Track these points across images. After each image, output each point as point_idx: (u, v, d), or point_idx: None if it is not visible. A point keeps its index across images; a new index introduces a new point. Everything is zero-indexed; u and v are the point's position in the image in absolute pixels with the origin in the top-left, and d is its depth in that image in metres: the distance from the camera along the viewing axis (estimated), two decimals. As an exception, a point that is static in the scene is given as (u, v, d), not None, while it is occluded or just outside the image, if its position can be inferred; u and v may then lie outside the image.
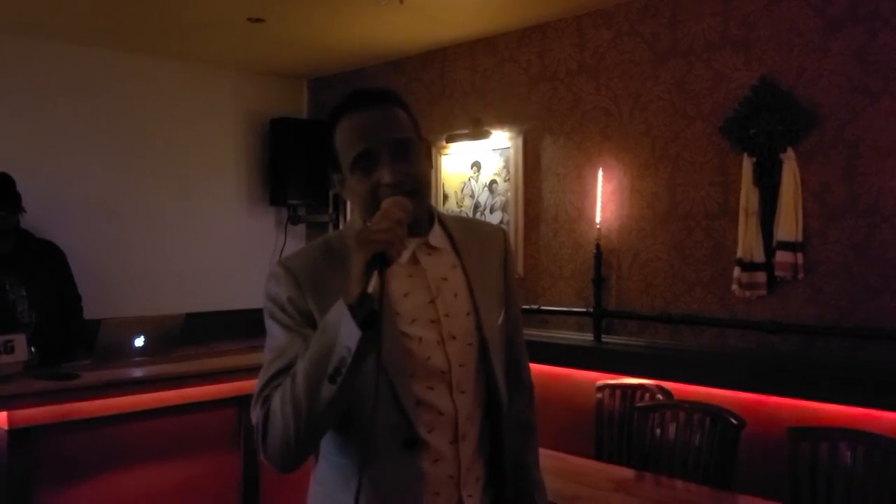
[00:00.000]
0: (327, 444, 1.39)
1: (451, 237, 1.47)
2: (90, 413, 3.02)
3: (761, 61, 3.37)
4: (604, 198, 3.91)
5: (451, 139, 4.59)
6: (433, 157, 4.66)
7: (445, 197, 4.75)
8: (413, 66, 4.94)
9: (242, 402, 3.23)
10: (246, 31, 4.31)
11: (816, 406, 3.04)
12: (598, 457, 3.25)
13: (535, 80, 4.27)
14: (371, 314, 1.18)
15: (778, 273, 3.25)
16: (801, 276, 3.21)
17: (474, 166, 4.61)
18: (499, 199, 4.48)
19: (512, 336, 1.55)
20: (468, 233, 1.50)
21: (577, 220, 4.08)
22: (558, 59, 4.17)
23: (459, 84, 4.68)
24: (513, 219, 4.36)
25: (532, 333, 4.05)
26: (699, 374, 3.38)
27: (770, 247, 3.29)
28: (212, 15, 4.05)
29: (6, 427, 2.82)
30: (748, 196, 3.35)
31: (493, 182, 4.51)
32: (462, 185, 4.68)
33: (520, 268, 4.26)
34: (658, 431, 2.90)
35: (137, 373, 3.25)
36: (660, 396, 3.18)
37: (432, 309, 1.38)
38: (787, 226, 3.22)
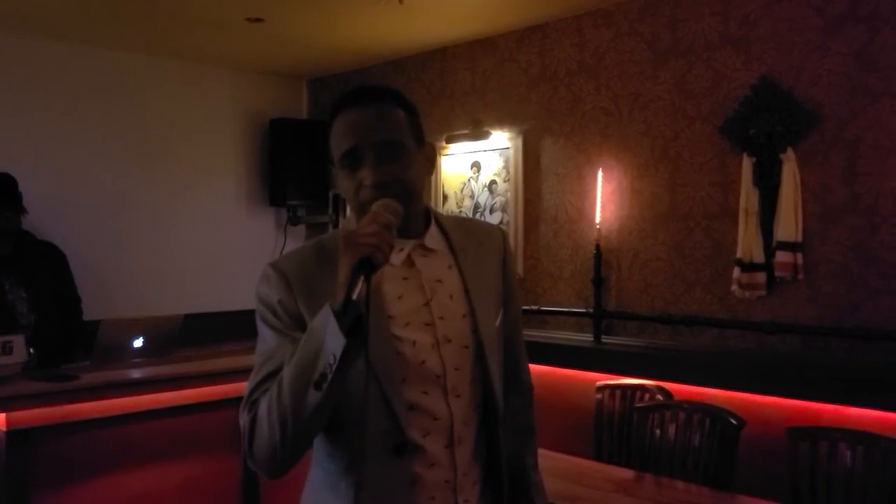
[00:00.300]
0: (318, 449, 1.38)
1: (447, 238, 1.44)
2: (89, 414, 3.01)
3: (761, 61, 3.37)
4: (603, 198, 3.91)
5: (450, 139, 4.59)
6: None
7: (445, 197, 4.74)
8: (413, 67, 4.94)
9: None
10: (245, 30, 4.30)
11: (816, 406, 3.04)
12: (598, 457, 3.24)
13: (535, 81, 4.27)
14: (359, 319, 1.15)
15: (778, 273, 3.25)
16: (800, 276, 3.21)
17: (474, 167, 4.61)
18: (498, 200, 4.47)
19: (511, 337, 1.54)
20: (466, 233, 1.48)
21: (576, 221, 4.08)
22: (558, 59, 4.16)
23: (459, 84, 4.67)
24: (512, 219, 4.35)
25: (532, 334, 4.04)
26: (699, 374, 3.37)
27: (770, 247, 3.28)
28: (211, 15, 4.04)
29: (4, 429, 2.82)
30: (748, 196, 3.35)
31: (492, 182, 4.51)
32: (462, 186, 4.67)
33: (519, 268, 4.26)
34: (658, 432, 2.89)
35: (136, 374, 3.25)
36: (659, 397, 3.18)
37: (427, 312, 1.36)
38: (787, 226, 3.22)
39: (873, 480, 2.46)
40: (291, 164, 5.22)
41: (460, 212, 4.64)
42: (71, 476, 2.99)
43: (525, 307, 3.99)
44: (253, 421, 1.25)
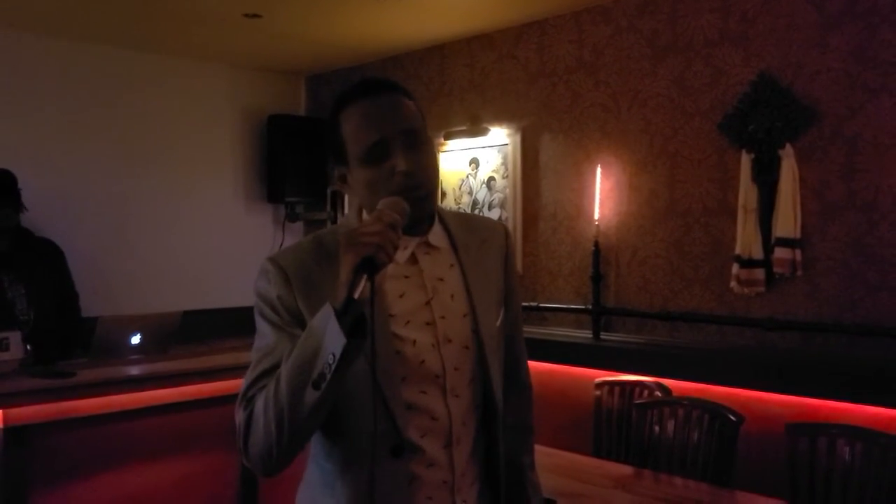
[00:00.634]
0: (315, 447, 1.37)
1: (450, 235, 1.42)
2: (86, 411, 3.00)
3: (760, 57, 3.36)
4: (602, 195, 3.90)
5: (449, 136, 4.58)
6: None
7: (444, 194, 4.73)
8: (411, 63, 4.93)
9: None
10: (243, 26, 4.29)
11: (815, 402, 3.04)
12: (597, 454, 3.25)
13: (534, 77, 4.26)
14: (360, 319, 1.13)
15: (776, 270, 3.25)
16: (799, 272, 3.21)
17: (472, 163, 4.60)
18: (497, 196, 4.47)
19: (512, 335, 1.52)
20: (468, 230, 1.46)
21: (575, 218, 4.07)
22: (557, 55, 4.16)
23: (458, 81, 4.66)
24: (511, 216, 4.35)
25: (531, 330, 4.03)
26: (698, 370, 3.37)
27: (769, 243, 3.28)
28: (208, 11, 4.03)
29: (1, 425, 2.80)
30: (747, 193, 3.35)
31: (491, 179, 4.50)
32: (460, 182, 4.67)
33: (518, 265, 4.25)
34: (657, 428, 2.90)
35: (134, 370, 3.24)
36: (658, 393, 3.18)
37: (428, 311, 1.34)
38: (786, 222, 3.22)
39: (872, 476, 2.46)
40: (289, 161, 5.21)
41: (459, 208, 4.63)
42: (68, 473, 2.98)
43: (524, 304, 3.97)
44: (249, 418, 1.23)
